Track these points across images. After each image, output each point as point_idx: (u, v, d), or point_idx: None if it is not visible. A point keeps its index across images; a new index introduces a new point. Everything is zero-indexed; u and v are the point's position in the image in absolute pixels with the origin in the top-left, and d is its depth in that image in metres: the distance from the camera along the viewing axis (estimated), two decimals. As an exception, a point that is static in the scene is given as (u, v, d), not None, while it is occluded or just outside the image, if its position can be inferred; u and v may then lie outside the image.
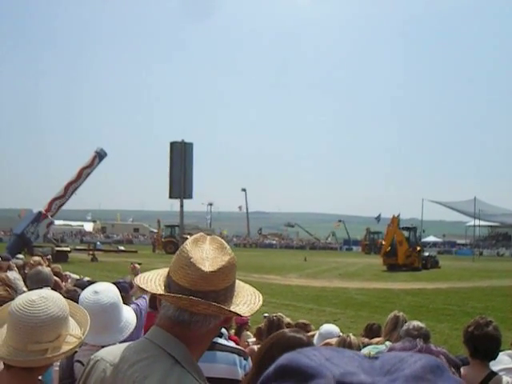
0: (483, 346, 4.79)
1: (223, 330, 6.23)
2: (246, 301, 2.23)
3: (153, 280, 2.23)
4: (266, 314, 8.27)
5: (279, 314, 7.84)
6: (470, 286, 31.68)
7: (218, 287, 2.13)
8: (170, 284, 2.17)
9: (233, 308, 2.16)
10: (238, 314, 2.17)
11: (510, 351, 5.73)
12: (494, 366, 5.43)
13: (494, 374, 4.79)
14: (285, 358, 0.74)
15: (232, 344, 4.72)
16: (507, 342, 6.64)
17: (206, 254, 2.17)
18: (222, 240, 2.29)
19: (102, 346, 2.58)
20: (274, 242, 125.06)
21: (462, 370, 4.77)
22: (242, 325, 9.19)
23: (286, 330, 3.24)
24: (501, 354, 5.63)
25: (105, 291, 3.93)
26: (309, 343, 2.92)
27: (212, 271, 2.12)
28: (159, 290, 2.17)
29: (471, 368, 4.85)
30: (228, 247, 2.26)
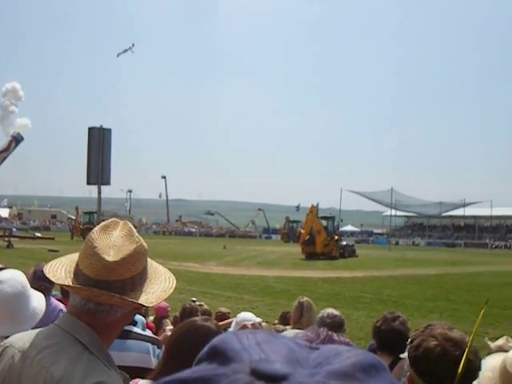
0: (389, 340, 4.85)
1: (140, 318, 6.12)
2: (157, 289, 2.18)
3: (63, 267, 2.18)
4: (194, 300, 8.21)
5: (197, 301, 7.79)
6: (385, 274, 32.26)
7: (123, 276, 2.08)
8: (77, 273, 2.13)
9: (143, 296, 2.12)
10: (141, 305, 2.11)
11: None
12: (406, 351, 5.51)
13: (399, 359, 4.85)
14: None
15: (147, 332, 4.64)
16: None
17: (114, 242, 2.11)
18: (132, 227, 2.22)
19: (6, 337, 2.47)
20: (194, 229, 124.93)
21: None
22: (160, 313, 9.08)
23: (196, 319, 3.20)
24: None
25: (9, 280, 3.77)
26: (217, 332, 2.87)
27: (115, 261, 2.07)
28: (68, 279, 2.13)
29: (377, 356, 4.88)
30: (136, 235, 2.18)
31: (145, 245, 2.19)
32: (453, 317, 16.13)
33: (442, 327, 2.61)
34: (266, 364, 0.66)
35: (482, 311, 2.63)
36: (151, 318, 9.00)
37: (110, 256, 2.06)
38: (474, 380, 2.55)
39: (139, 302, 2.09)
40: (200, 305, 8.18)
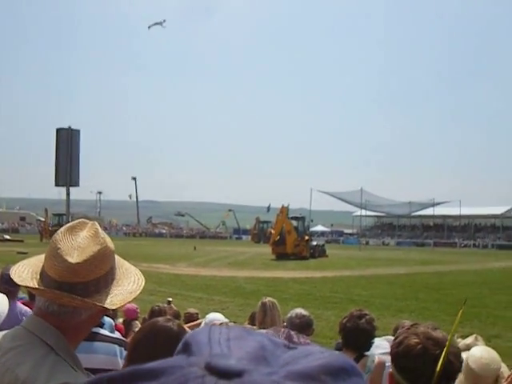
0: (354, 338, 4.88)
1: (108, 320, 6.06)
2: (124, 291, 2.15)
3: (31, 268, 2.15)
4: (170, 300, 8.18)
5: (172, 302, 7.77)
6: (356, 274, 32.39)
7: (86, 278, 2.06)
8: (42, 274, 2.10)
9: (108, 298, 2.09)
10: (104, 308, 2.08)
11: (390, 337, 5.84)
12: (374, 350, 5.55)
13: (362, 355, 4.87)
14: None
15: (115, 334, 4.61)
16: (390, 328, 6.76)
17: (78, 244, 2.09)
18: (99, 228, 2.19)
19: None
20: (164, 230, 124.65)
21: None
22: (130, 315, 9.03)
23: (158, 319, 3.19)
24: (381, 339, 5.76)
25: None
26: (179, 332, 2.86)
27: (78, 262, 2.04)
28: (33, 280, 2.10)
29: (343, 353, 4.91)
30: (102, 236, 2.15)
31: (110, 246, 2.16)
32: (422, 315, 16.24)
33: (426, 326, 2.62)
34: (221, 359, 0.64)
35: (461, 311, 2.65)
36: (120, 320, 8.96)
37: (73, 258, 2.04)
38: (453, 381, 2.56)
39: (102, 304, 2.07)
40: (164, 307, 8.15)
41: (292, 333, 2.36)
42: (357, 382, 0.68)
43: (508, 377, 3.06)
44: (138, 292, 2.18)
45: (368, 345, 4.97)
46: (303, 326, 5.47)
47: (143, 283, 2.23)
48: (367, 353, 5.44)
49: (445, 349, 2.46)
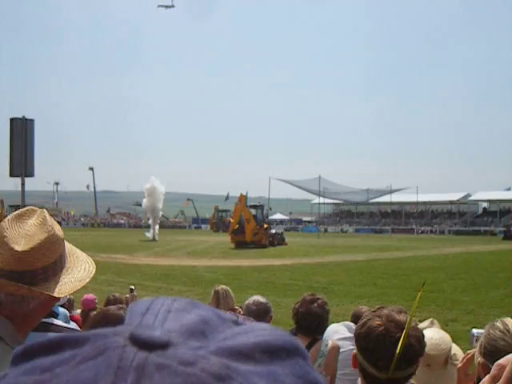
0: (305, 322, 4.88)
1: (62, 311, 5.98)
2: (73, 279, 2.11)
3: None
4: (133, 288, 8.10)
5: (135, 290, 7.72)
6: (315, 261, 32.52)
7: (34, 267, 2.02)
8: None
9: (57, 287, 2.05)
10: (52, 296, 2.04)
11: (347, 322, 5.86)
12: (332, 336, 5.57)
13: (316, 340, 4.87)
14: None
15: (71, 325, 4.54)
16: (349, 314, 6.78)
17: (26, 231, 2.04)
18: (47, 215, 2.14)
19: None
20: (123, 221, 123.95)
21: None
22: (87, 305, 8.92)
23: (110, 308, 3.15)
24: (339, 324, 5.77)
25: None
26: None
27: (25, 250, 2.00)
28: None
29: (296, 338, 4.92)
30: (50, 223, 2.10)
31: (59, 234, 2.11)
32: (380, 301, 16.32)
33: (391, 310, 2.62)
34: (145, 330, 0.61)
35: (419, 294, 2.65)
36: (78, 311, 8.86)
37: (20, 245, 2.00)
38: (413, 365, 2.56)
39: (51, 292, 2.03)
40: (133, 293, 8.05)
41: (242, 318, 2.34)
42: (298, 362, 0.63)
43: (463, 358, 3.08)
44: (88, 280, 2.14)
45: (321, 329, 4.96)
46: (260, 313, 5.46)
47: (94, 271, 2.19)
48: (323, 337, 5.45)
49: (404, 331, 2.46)
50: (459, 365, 3.13)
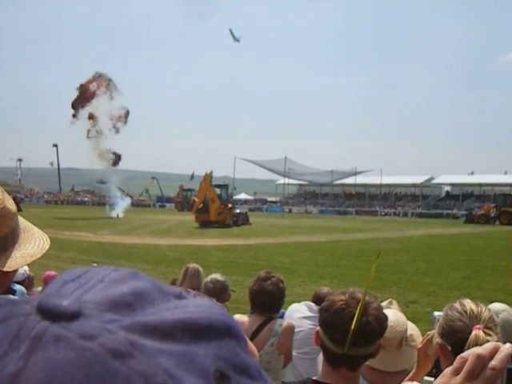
0: (259, 300, 4.89)
1: (19, 288, 5.92)
2: (24, 254, 2.06)
3: None
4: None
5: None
6: (279, 241, 32.60)
7: None
8: None
9: (8, 261, 2.00)
10: (1, 271, 2.00)
11: (308, 302, 5.90)
12: (293, 314, 5.61)
13: (271, 319, 4.90)
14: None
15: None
16: (311, 294, 6.81)
17: None
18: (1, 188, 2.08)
19: None
20: (87, 198, 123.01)
21: (239, 317, 4.99)
22: (48, 282, 8.83)
23: None
24: (300, 304, 5.81)
25: None
26: None
27: None
28: None
29: (250, 317, 4.96)
30: (1, 197, 2.04)
31: (11, 208, 2.05)
32: (343, 282, 16.45)
33: (358, 290, 2.65)
34: (53, 298, 0.57)
35: (375, 265, 2.69)
36: (39, 288, 8.79)
37: None
38: (371, 345, 2.59)
39: (1, 267, 1.98)
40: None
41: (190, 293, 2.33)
42: (228, 344, 0.59)
43: (423, 339, 3.12)
44: (40, 255, 2.09)
45: (275, 307, 4.97)
46: (217, 291, 5.47)
47: (47, 247, 2.14)
48: (294, 317, 5.47)
49: (359, 306, 2.50)
50: (419, 346, 3.18)
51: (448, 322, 2.74)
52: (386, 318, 2.73)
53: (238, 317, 5.08)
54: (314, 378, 2.79)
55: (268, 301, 4.85)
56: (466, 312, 2.71)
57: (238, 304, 10.85)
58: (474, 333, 2.58)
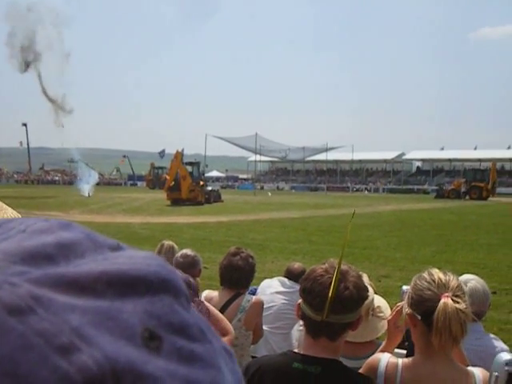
0: (227, 274, 4.89)
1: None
2: None
3: None
4: None
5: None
6: (251, 218, 32.63)
7: None
8: None
9: None
10: None
11: (281, 277, 5.92)
12: (266, 290, 5.62)
13: (239, 294, 4.90)
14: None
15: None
16: (283, 270, 6.83)
17: None
18: None
19: None
20: (57, 178, 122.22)
21: (208, 293, 5.04)
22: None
23: None
24: (273, 279, 5.83)
25: None
26: None
27: None
28: None
29: (220, 292, 4.97)
30: None
31: None
32: (315, 257, 16.50)
33: (340, 262, 2.67)
34: None
35: (350, 226, 2.73)
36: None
37: None
38: (350, 312, 2.61)
39: None
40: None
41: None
42: (163, 300, 0.50)
43: (393, 310, 3.16)
44: None
45: (244, 282, 4.96)
46: (186, 266, 5.44)
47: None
48: (267, 292, 5.48)
49: (335, 271, 2.51)
50: (389, 317, 3.20)
51: (417, 291, 2.77)
52: (365, 287, 2.75)
53: (207, 292, 5.08)
54: (296, 350, 2.82)
55: (236, 275, 4.84)
56: (434, 281, 2.74)
57: (210, 281, 10.83)
58: (442, 301, 2.63)
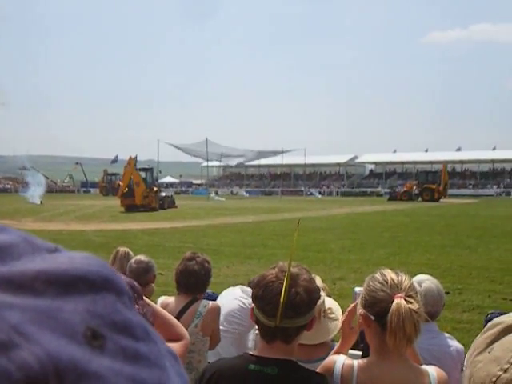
0: (183, 279, 4.87)
1: None
2: None
3: None
4: None
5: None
6: (205, 223, 32.56)
7: None
8: None
9: None
10: None
11: (244, 287, 5.92)
12: (226, 297, 5.61)
13: (196, 299, 4.89)
14: None
15: None
16: (239, 274, 6.83)
17: None
18: None
19: None
20: (9, 186, 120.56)
21: (164, 299, 4.98)
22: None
23: None
24: (235, 288, 5.82)
25: None
26: None
27: None
28: None
29: (176, 298, 4.95)
30: None
31: None
32: (270, 261, 16.39)
33: (292, 265, 2.68)
34: None
35: (297, 232, 2.75)
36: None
37: None
38: (302, 316, 2.63)
39: None
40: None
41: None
42: (105, 298, 0.50)
43: (346, 311, 3.19)
44: None
45: (200, 287, 4.94)
46: (140, 272, 5.42)
47: None
48: (229, 299, 5.47)
49: (285, 277, 2.54)
50: (342, 318, 3.24)
51: (370, 292, 2.81)
52: (317, 289, 2.77)
53: (163, 298, 5.06)
54: (251, 352, 2.83)
55: (192, 280, 4.83)
56: (386, 282, 2.79)
57: (166, 287, 10.79)
58: (395, 301, 2.67)
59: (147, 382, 0.45)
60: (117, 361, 0.44)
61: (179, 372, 0.51)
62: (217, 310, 4.92)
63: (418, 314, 2.70)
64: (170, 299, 4.98)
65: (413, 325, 2.66)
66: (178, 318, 4.69)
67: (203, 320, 4.79)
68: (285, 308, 2.54)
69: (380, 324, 2.74)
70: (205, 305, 4.87)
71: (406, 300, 2.69)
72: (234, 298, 5.61)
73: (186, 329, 4.66)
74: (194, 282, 4.85)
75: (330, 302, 3.95)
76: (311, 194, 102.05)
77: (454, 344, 4.22)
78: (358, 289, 3.35)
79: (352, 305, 3.19)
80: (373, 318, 2.77)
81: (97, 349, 0.44)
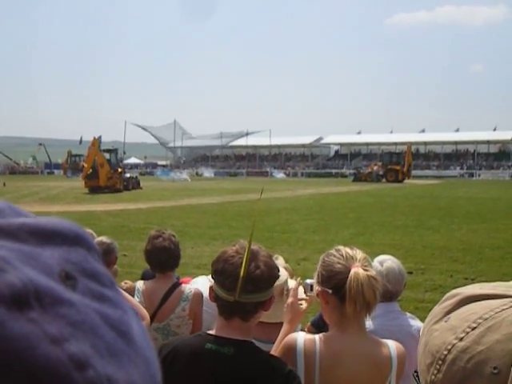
0: (155, 258, 4.81)
1: None
2: None
3: None
4: None
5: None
6: (170, 205, 32.52)
7: None
8: None
9: None
10: None
11: (210, 276, 5.89)
12: (197, 284, 5.60)
13: (178, 284, 4.88)
14: None
15: None
16: (204, 255, 6.85)
17: None
18: None
19: None
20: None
21: (140, 285, 4.91)
22: None
23: None
24: (202, 277, 5.78)
25: None
26: None
27: None
28: None
29: (155, 281, 4.90)
30: None
31: None
32: (234, 242, 16.60)
33: (251, 243, 2.69)
34: None
35: (259, 203, 2.78)
36: None
37: None
38: (261, 291, 2.65)
39: None
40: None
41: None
42: (77, 251, 0.57)
43: (290, 291, 3.26)
44: None
45: (172, 262, 4.89)
46: (102, 253, 5.37)
47: None
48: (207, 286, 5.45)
49: (246, 250, 2.56)
50: (289, 300, 3.28)
51: (326, 267, 2.88)
52: (276, 266, 2.79)
53: (141, 283, 4.97)
54: (209, 332, 2.85)
55: (164, 257, 4.78)
56: (342, 255, 2.86)
57: (130, 268, 10.81)
58: (353, 270, 2.75)
59: (111, 316, 0.51)
60: (86, 298, 0.51)
61: (139, 323, 0.56)
62: (200, 295, 4.90)
63: (376, 280, 2.77)
64: (149, 283, 4.93)
65: (372, 291, 2.72)
66: (163, 301, 4.70)
67: (190, 304, 4.78)
68: (244, 282, 2.56)
69: (338, 297, 2.79)
70: (190, 289, 4.86)
71: (363, 269, 2.77)
72: (201, 284, 5.62)
73: (173, 311, 4.68)
74: (166, 258, 4.80)
75: (292, 283, 3.99)
76: (272, 174, 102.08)
77: (416, 324, 4.25)
78: (309, 280, 3.39)
79: (294, 286, 3.28)
80: (330, 291, 2.82)
81: (69, 287, 0.51)
